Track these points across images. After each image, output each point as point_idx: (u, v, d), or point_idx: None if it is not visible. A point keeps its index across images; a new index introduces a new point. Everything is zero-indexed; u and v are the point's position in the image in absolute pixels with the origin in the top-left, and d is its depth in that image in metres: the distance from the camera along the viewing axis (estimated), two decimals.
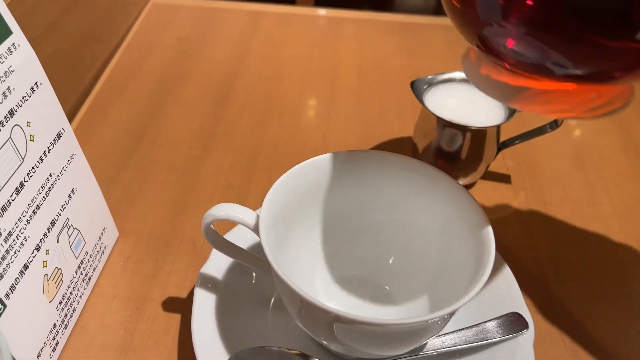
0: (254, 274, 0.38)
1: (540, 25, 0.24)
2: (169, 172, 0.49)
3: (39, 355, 0.32)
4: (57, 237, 0.34)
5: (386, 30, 0.71)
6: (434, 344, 0.34)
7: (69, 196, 0.35)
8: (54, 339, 0.34)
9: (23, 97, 0.30)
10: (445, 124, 0.44)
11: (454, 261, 0.33)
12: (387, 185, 0.35)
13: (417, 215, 0.35)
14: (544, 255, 0.43)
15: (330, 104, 0.58)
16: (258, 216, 0.31)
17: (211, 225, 0.33)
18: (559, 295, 0.40)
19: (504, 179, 0.49)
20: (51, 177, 0.33)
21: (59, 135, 0.34)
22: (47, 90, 0.33)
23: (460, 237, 0.32)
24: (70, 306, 0.36)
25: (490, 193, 0.48)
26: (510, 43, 0.26)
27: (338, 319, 0.27)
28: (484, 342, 0.34)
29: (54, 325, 0.34)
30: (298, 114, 0.57)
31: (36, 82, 0.32)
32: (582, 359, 0.36)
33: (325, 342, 0.31)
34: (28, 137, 0.31)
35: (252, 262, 0.35)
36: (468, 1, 0.27)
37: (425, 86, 0.46)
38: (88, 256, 0.38)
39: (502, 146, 0.47)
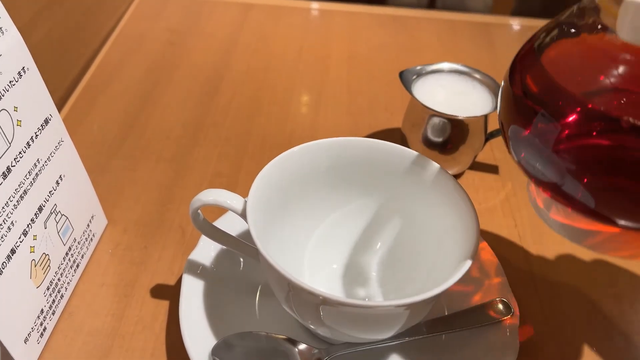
0: (242, 261, 0.38)
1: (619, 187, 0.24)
2: (157, 161, 0.49)
3: (26, 340, 0.32)
4: (45, 223, 0.34)
5: (377, 23, 0.72)
6: (421, 329, 0.34)
7: (57, 182, 0.35)
8: (41, 324, 0.34)
9: (10, 82, 0.30)
10: (433, 114, 0.44)
11: (442, 249, 0.33)
12: (376, 173, 0.36)
13: (407, 203, 0.36)
14: (530, 244, 0.43)
15: (320, 96, 0.58)
16: (246, 202, 0.32)
17: (199, 211, 0.33)
18: (544, 281, 0.40)
19: (492, 169, 0.50)
20: (38, 162, 0.33)
21: (46, 121, 0.34)
22: (34, 76, 0.33)
23: (448, 224, 0.33)
24: (58, 292, 0.36)
25: (479, 183, 0.48)
26: (586, 200, 0.24)
27: (325, 301, 0.28)
28: (470, 327, 0.34)
29: (42, 311, 0.34)
30: (287, 105, 0.57)
31: (23, 67, 0.32)
32: (565, 344, 0.36)
33: (312, 326, 0.32)
34: (15, 122, 0.31)
35: (240, 248, 0.35)
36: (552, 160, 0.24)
37: (414, 77, 0.46)
38: (76, 243, 0.38)
39: (489, 136, 0.47)
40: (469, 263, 0.28)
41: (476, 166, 0.49)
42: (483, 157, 0.50)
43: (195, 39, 0.66)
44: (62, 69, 0.56)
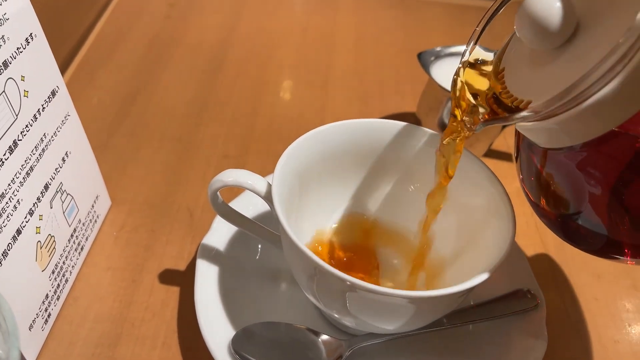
0: (259, 246, 0.36)
1: None
2: (162, 139, 0.47)
3: (30, 327, 0.30)
4: (51, 202, 0.32)
5: (385, 4, 0.70)
6: (442, 319, 0.33)
7: (63, 159, 0.33)
8: (46, 310, 0.32)
9: (17, 49, 0.28)
10: None
11: (471, 238, 0.32)
12: (404, 156, 0.34)
13: (432, 185, 0.34)
14: (548, 232, 0.42)
15: (327, 76, 0.56)
16: (269, 183, 0.30)
17: (218, 192, 0.31)
18: (562, 270, 0.39)
19: (507, 157, 0.48)
20: (45, 137, 0.31)
21: (53, 93, 0.32)
22: (42, 43, 0.30)
23: (477, 206, 0.31)
24: (63, 276, 0.34)
25: (493, 171, 0.47)
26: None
27: (353, 288, 0.26)
28: (496, 318, 0.33)
29: (47, 296, 0.32)
30: (294, 86, 0.55)
31: (31, 34, 0.29)
32: (590, 335, 0.36)
33: (337, 315, 0.30)
34: (22, 93, 0.29)
35: (259, 232, 0.33)
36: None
37: (432, 58, 0.45)
38: (81, 224, 0.36)
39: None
40: (507, 247, 0.27)
41: (491, 154, 0.48)
42: (497, 144, 0.49)
43: (196, 15, 0.63)
44: (56, 42, 0.53)
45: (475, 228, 0.32)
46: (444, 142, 0.29)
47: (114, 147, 0.45)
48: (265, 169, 0.34)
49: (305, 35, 0.62)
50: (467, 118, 0.26)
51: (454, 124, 0.28)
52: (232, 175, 0.30)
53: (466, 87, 0.27)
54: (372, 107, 0.53)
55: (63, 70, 0.52)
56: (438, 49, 0.45)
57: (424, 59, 0.44)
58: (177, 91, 0.52)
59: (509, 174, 0.48)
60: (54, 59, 0.32)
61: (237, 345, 0.30)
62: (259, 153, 0.47)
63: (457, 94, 0.27)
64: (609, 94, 0.19)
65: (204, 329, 0.31)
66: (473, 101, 0.26)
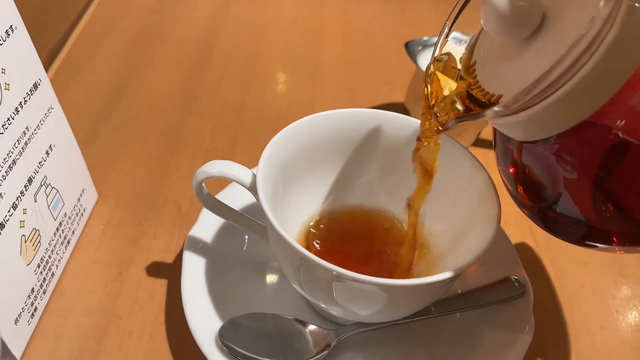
0: (246, 238, 0.36)
1: None
2: (148, 133, 0.46)
3: (16, 321, 0.30)
4: (35, 195, 0.31)
5: None
6: (429, 308, 0.33)
7: (47, 152, 0.33)
8: (32, 304, 0.32)
9: None
10: None
11: (459, 227, 0.32)
12: (391, 145, 0.34)
13: None
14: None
15: (316, 67, 0.56)
16: (254, 174, 0.30)
17: (203, 184, 0.31)
18: (551, 258, 0.39)
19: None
20: (28, 130, 0.31)
21: (35, 86, 0.31)
22: (22, 36, 0.30)
23: (464, 195, 0.31)
24: (49, 270, 0.34)
25: (482, 160, 0.47)
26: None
27: (339, 278, 0.26)
28: (483, 306, 0.33)
29: (32, 290, 0.32)
30: (282, 77, 0.55)
31: (11, 26, 0.29)
32: (577, 322, 0.36)
33: (324, 306, 0.30)
34: (3, 86, 0.28)
35: (246, 224, 0.33)
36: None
37: (419, 48, 0.44)
38: (67, 218, 0.35)
39: None
40: (493, 233, 0.27)
41: (479, 143, 0.48)
42: (486, 133, 0.49)
43: (182, 7, 0.63)
44: (42, 34, 0.52)
45: (462, 217, 0.32)
46: (420, 149, 0.29)
47: (100, 141, 0.45)
48: (254, 162, 0.34)
49: (294, 27, 0.62)
50: (439, 115, 0.26)
51: (427, 124, 0.27)
52: (216, 167, 0.30)
53: (438, 83, 0.27)
54: (361, 97, 0.53)
55: (49, 63, 0.52)
56: (425, 38, 0.45)
57: (411, 49, 0.44)
58: (164, 84, 0.52)
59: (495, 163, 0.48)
60: (36, 52, 0.31)
61: (224, 336, 0.30)
62: (247, 146, 0.47)
63: (429, 91, 0.27)
64: (578, 85, 0.19)
65: (191, 321, 0.31)
66: (446, 95, 0.26)
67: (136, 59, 0.54)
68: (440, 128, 0.26)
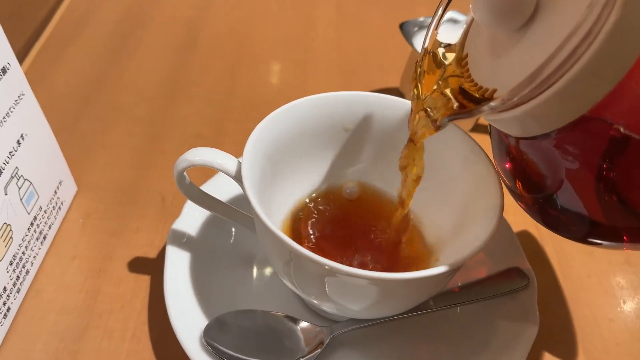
0: (233, 230, 0.34)
1: None
2: (131, 121, 0.44)
3: None
4: (5, 188, 0.29)
5: None
6: (428, 302, 0.31)
7: (18, 142, 0.31)
8: (4, 304, 0.30)
9: None
10: None
11: (460, 216, 0.30)
12: (384, 128, 0.32)
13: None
14: None
15: (307, 53, 0.54)
16: (240, 162, 0.28)
17: (185, 173, 0.29)
18: (557, 248, 0.38)
19: None
20: None
21: (3, 71, 0.29)
22: None
23: (465, 187, 0.30)
24: (23, 267, 0.31)
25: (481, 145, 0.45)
26: None
27: (332, 272, 0.24)
28: (485, 299, 0.31)
29: (4, 289, 0.30)
30: (272, 63, 0.52)
31: None
32: (584, 314, 0.34)
33: (316, 302, 0.28)
34: None
35: (232, 216, 0.31)
36: None
37: (415, 29, 0.42)
38: (42, 212, 0.33)
39: None
40: (495, 223, 0.25)
41: (478, 128, 0.46)
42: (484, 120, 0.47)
43: None
44: (21, 20, 0.50)
45: (462, 205, 0.30)
46: (406, 151, 0.27)
47: (81, 130, 0.43)
48: (242, 151, 0.32)
49: (284, 10, 0.60)
50: (432, 114, 0.24)
51: (418, 122, 0.26)
52: (199, 154, 0.28)
53: (429, 79, 0.25)
54: (355, 83, 0.51)
55: (27, 49, 0.50)
56: (421, 19, 0.43)
57: (406, 30, 0.42)
58: (149, 70, 0.50)
59: None
60: (4, 34, 0.29)
61: (209, 335, 0.28)
62: (235, 134, 0.44)
63: (420, 88, 0.25)
64: (577, 76, 0.18)
65: (174, 319, 0.29)
66: (438, 90, 0.24)
67: (119, 44, 0.52)
68: (432, 127, 0.25)
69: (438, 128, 0.25)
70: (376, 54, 0.54)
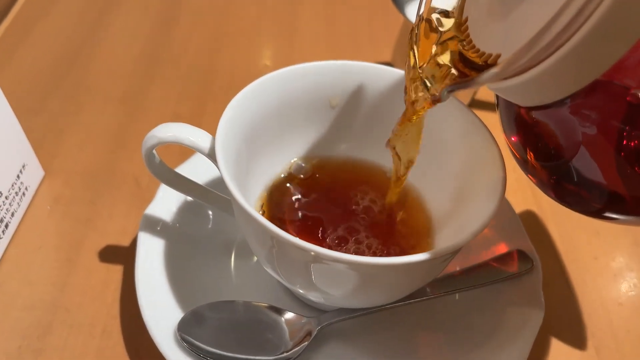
0: (211, 215, 0.32)
1: None
2: (105, 101, 0.41)
3: None
4: None
5: None
6: (427, 289, 0.28)
7: None
8: None
9: None
10: None
11: (460, 194, 0.27)
12: (366, 99, 0.29)
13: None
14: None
15: (294, 27, 0.51)
16: (214, 139, 0.25)
17: (154, 151, 0.26)
18: (560, 229, 0.35)
19: (492, 107, 0.44)
20: None
21: None
22: None
23: (465, 164, 0.27)
24: None
25: None
26: None
27: (317, 258, 0.22)
28: (486, 284, 0.29)
29: None
30: (256, 38, 0.49)
31: None
32: (591, 299, 0.32)
33: (301, 291, 0.26)
34: None
35: (208, 199, 0.29)
36: None
37: None
38: (3, 198, 0.31)
39: None
40: (497, 202, 0.23)
41: (475, 104, 0.44)
42: (482, 94, 0.44)
43: None
44: None
45: (461, 183, 0.27)
46: (400, 128, 0.25)
47: (49, 111, 0.40)
48: None
49: None
50: (430, 85, 0.22)
51: (414, 96, 0.23)
52: (170, 130, 0.25)
53: (426, 47, 0.22)
54: (344, 57, 0.47)
55: None
56: None
57: (398, 0, 0.39)
58: (124, 47, 0.47)
59: (496, 125, 0.43)
60: None
61: (184, 330, 0.25)
62: (217, 114, 0.40)
63: (416, 57, 0.22)
64: (590, 33, 0.15)
65: (146, 313, 0.26)
66: (436, 57, 0.22)
67: (92, 19, 0.49)
68: (431, 100, 0.22)
69: (437, 101, 0.22)
70: (366, 26, 0.51)
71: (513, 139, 0.23)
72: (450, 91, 0.21)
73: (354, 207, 0.30)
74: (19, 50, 0.45)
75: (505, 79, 0.18)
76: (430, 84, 0.22)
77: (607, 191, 0.20)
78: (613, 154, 0.19)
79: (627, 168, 0.19)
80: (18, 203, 0.32)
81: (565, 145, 0.20)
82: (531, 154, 0.22)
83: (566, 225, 0.35)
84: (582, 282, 0.32)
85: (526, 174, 0.23)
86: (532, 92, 0.19)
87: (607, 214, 0.21)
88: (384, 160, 0.31)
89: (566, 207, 0.22)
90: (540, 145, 0.21)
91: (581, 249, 0.34)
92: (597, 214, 0.21)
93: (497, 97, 0.23)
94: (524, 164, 0.23)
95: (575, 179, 0.20)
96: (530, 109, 0.20)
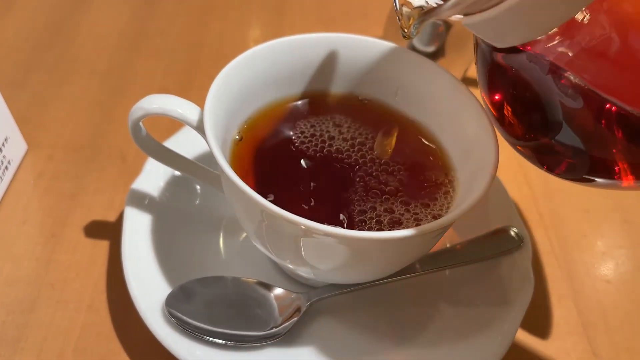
0: (199, 190, 0.31)
1: None
2: (90, 74, 0.40)
3: None
4: None
5: None
6: (417, 265, 0.28)
7: None
8: None
9: None
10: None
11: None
12: (358, 72, 0.29)
13: (400, 99, 0.29)
14: (531, 167, 0.38)
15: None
16: (202, 112, 0.24)
17: (141, 124, 0.25)
18: (550, 206, 0.35)
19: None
20: None
21: None
22: None
23: (452, 131, 0.27)
24: None
25: None
26: None
27: (308, 232, 0.21)
28: (476, 261, 0.29)
29: None
30: (245, 10, 0.48)
31: None
32: (580, 276, 0.32)
33: (291, 266, 0.25)
34: None
35: (196, 172, 0.28)
36: None
37: None
38: None
39: None
40: (490, 177, 0.23)
41: (467, 81, 0.43)
42: (473, 72, 0.44)
43: None
44: None
45: (453, 157, 0.27)
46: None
47: (32, 84, 0.39)
48: None
49: None
50: (401, 20, 0.22)
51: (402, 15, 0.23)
52: (157, 102, 0.25)
53: None
54: (336, 31, 0.47)
55: None
56: None
57: None
58: (110, 18, 0.45)
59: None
60: None
61: (172, 305, 0.25)
62: (205, 88, 0.39)
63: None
64: None
65: (133, 288, 0.26)
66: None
67: None
68: (405, 32, 0.23)
69: (409, 32, 0.23)
70: (358, 1, 0.50)
71: (490, 98, 0.23)
72: (421, 21, 0.22)
73: (352, 167, 0.29)
74: (1, 22, 0.43)
75: (473, 14, 0.18)
76: (402, 19, 0.23)
77: (590, 151, 0.19)
78: (594, 106, 0.18)
79: (610, 123, 0.18)
80: (0, 177, 0.31)
81: (540, 94, 0.20)
82: (509, 112, 0.22)
83: (556, 203, 0.35)
84: (571, 260, 0.32)
85: (507, 140, 0.23)
86: (503, 30, 0.18)
87: (590, 177, 0.20)
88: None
89: (549, 172, 0.22)
90: (517, 102, 0.21)
91: (570, 227, 0.34)
92: (582, 176, 0.20)
93: (475, 51, 0.23)
94: (503, 127, 0.23)
95: (557, 140, 0.20)
96: (502, 52, 0.20)
